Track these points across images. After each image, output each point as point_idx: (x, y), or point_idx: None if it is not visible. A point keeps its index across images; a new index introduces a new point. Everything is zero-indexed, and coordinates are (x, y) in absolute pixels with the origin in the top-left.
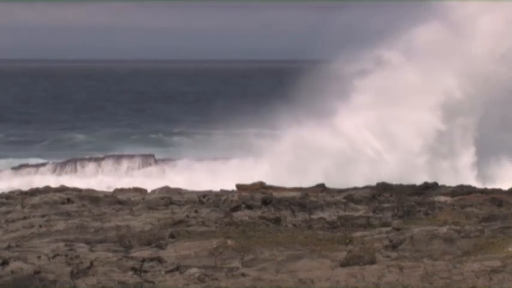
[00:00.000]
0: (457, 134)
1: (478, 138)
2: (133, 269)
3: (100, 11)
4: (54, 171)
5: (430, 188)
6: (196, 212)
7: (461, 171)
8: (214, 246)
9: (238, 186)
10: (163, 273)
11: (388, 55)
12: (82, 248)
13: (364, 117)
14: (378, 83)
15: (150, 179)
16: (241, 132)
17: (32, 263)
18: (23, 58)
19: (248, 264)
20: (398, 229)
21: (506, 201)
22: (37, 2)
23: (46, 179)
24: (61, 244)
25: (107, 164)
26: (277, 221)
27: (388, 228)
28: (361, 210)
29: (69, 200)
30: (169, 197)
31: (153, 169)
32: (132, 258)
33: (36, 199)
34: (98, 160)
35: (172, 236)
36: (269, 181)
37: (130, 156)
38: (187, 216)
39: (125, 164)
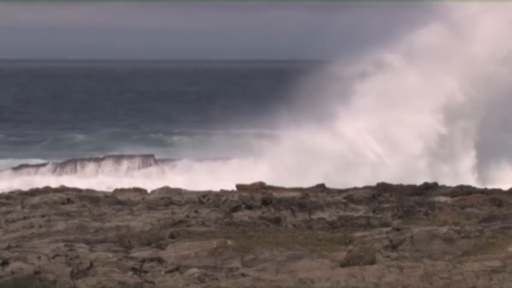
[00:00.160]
0: (458, 137)
1: (478, 141)
2: (133, 269)
3: (100, 11)
4: (54, 171)
5: (430, 188)
6: (196, 212)
7: (462, 174)
8: (214, 246)
9: (238, 187)
10: (163, 273)
11: (389, 58)
12: (82, 248)
13: (365, 120)
14: (379, 86)
15: (150, 179)
16: (241, 132)
17: (32, 263)
18: (23, 58)
19: (248, 264)
20: (398, 229)
21: (506, 201)
22: (37, 2)
23: (46, 179)
24: (61, 244)
25: (107, 164)
26: (277, 221)
27: (388, 228)
28: (361, 211)
29: (69, 200)
30: (169, 197)
31: (153, 169)
32: (132, 258)
33: (36, 199)
34: (98, 160)
35: (172, 236)
36: (269, 182)
37: (130, 157)
38: (187, 217)
39: (124, 164)
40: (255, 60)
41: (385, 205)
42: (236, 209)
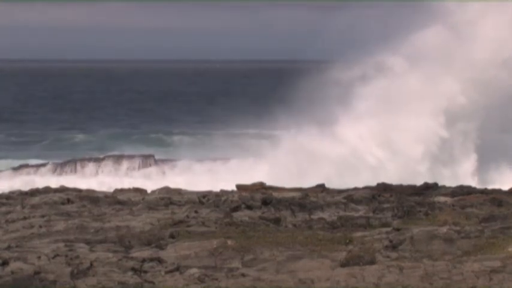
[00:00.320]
0: (459, 141)
1: (479, 144)
2: (133, 269)
3: (100, 11)
4: (54, 171)
5: (430, 188)
6: (196, 212)
7: (463, 178)
8: (214, 246)
9: (238, 187)
10: (163, 273)
11: (390, 61)
12: (82, 248)
13: (366, 124)
14: (380, 89)
15: (150, 179)
16: (241, 132)
17: (32, 263)
18: (23, 58)
19: (248, 264)
20: (398, 229)
21: (506, 201)
22: (37, 2)
23: (46, 179)
24: (61, 244)
25: (107, 164)
26: (277, 221)
27: (388, 229)
28: (361, 211)
29: (69, 200)
30: (169, 197)
31: (153, 169)
32: (132, 258)
33: (36, 199)
34: (98, 160)
35: (172, 236)
36: (269, 182)
37: (130, 157)
38: (187, 217)
39: (124, 164)
40: (255, 60)
41: (385, 205)
42: (236, 209)
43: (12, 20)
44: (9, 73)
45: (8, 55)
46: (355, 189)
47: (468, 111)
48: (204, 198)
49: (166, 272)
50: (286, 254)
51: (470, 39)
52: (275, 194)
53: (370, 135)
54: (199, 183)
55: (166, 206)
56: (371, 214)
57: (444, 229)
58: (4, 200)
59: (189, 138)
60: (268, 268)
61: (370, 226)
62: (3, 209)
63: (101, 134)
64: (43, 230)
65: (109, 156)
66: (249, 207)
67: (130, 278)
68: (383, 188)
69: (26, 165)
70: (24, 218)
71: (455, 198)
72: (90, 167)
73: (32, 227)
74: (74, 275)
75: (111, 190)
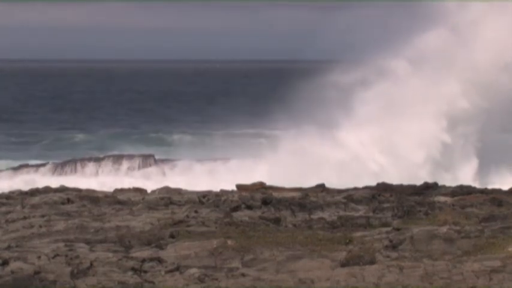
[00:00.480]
0: (460, 145)
1: (480, 148)
2: (133, 269)
3: (100, 11)
4: (54, 171)
5: (430, 188)
6: (196, 212)
7: (463, 182)
8: (214, 246)
9: (238, 187)
10: (163, 273)
11: (391, 64)
12: (82, 248)
13: (367, 129)
14: (381, 92)
15: (150, 179)
16: (241, 132)
17: (32, 263)
18: (23, 58)
19: (248, 264)
20: (398, 229)
21: (506, 201)
22: (37, 2)
23: (46, 179)
24: (61, 244)
25: (107, 164)
26: (277, 221)
27: (388, 228)
28: (361, 210)
29: (69, 200)
30: (169, 197)
31: (153, 169)
32: (132, 258)
33: (36, 199)
34: (98, 160)
35: (172, 236)
36: (269, 182)
37: (130, 156)
38: (187, 216)
39: (124, 164)
40: (255, 60)
41: (385, 205)
42: (236, 209)
43: (12, 20)
44: (9, 73)
45: (8, 55)
46: (355, 189)
47: (469, 116)
48: (204, 198)
49: (166, 272)
50: (286, 254)
51: (471, 41)
52: (275, 194)
53: (371, 140)
54: (199, 183)
55: (166, 206)
56: (371, 214)
57: (444, 229)
58: (4, 200)
59: (189, 138)
60: (268, 268)
61: (370, 226)
62: (3, 209)
63: (101, 134)
64: (43, 229)
65: (109, 156)
66: (249, 207)
67: (130, 278)
68: (383, 187)
69: (26, 165)
70: (24, 218)
71: (455, 198)
72: (90, 167)
73: (32, 226)
74: (74, 275)
75: (111, 190)
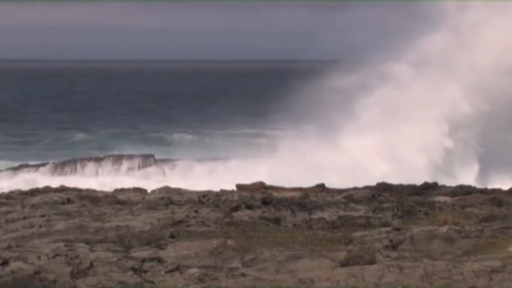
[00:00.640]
0: (461, 150)
1: (481, 153)
2: (133, 269)
3: (100, 11)
4: (54, 171)
5: (430, 188)
6: (196, 212)
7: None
8: (214, 246)
9: (238, 186)
10: (163, 273)
11: (393, 68)
12: (82, 248)
13: (369, 134)
14: (383, 97)
15: (150, 179)
16: (241, 132)
17: (32, 263)
18: (23, 58)
19: (248, 264)
20: (398, 229)
21: (506, 201)
22: (37, 2)
23: (46, 179)
24: (61, 244)
25: (107, 164)
26: (277, 221)
27: (388, 228)
28: (361, 210)
29: (69, 200)
30: (169, 197)
31: (153, 169)
32: (132, 258)
33: (36, 199)
34: (98, 160)
35: (172, 236)
36: (269, 182)
37: (130, 156)
38: (187, 216)
39: (124, 164)
40: (255, 60)
41: (385, 205)
42: (236, 209)
43: (12, 20)
44: (9, 73)
45: (8, 55)
46: (355, 189)
47: (471, 119)
48: (204, 198)
49: (166, 272)
50: (286, 254)
51: (472, 44)
52: (275, 194)
53: (373, 145)
54: (199, 183)
55: (166, 205)
56: (371, 214)
57: (444, 229)
58: (4, 200)
59: (189, 138)
60: (268, 268)
61: (370, 226)
62: (3, 209)
63: (101, 134)
64: (43, 229)
65: (109, 156)
66: (249, 207)
67: (130, 278)
68: (383, 187)
69: (26, 165)
70: (24, 218)
71: (455, 198)
72: (90, 167)
73: (32, 226)
74: (74, 275)
75: (111, 190)
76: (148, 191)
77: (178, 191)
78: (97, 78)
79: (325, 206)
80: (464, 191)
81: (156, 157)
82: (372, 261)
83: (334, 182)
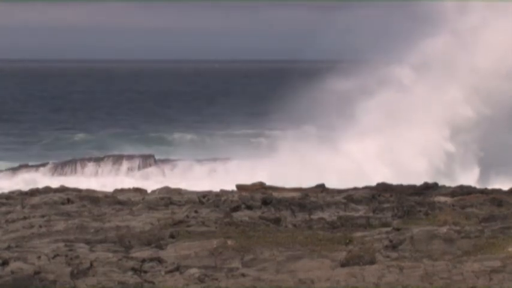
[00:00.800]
0: (462, 154)
1: (482, 157)
2: (133, 269)
3: (100, 11)
4: (54, 171)
5: (430, 188)
6: (196, 212)
7: None
8: (214, 246)
9: (238, 187)
10: (163, 273)
11: (395, 71)
12: (82, 248)
13: (369, 138)
14: (384, 101)
15: (150, 179)
16: (241, 132)
17: (32, 263)
18: (23, 58)
19: (248, 264)
20: (398, 229)
21: (506, 201)
22: (37, 2)
23: (46, 179)
24: (61, 244)
25: (107, 164)
26: (277, 221)
27: (388, 228)
28: (361, 211)
29: (69, 200)
30: (169, 197)
31: (153, 169)
32: (132, 258)
33: (36, 199)
34: (98, 160)
35: (172, 236)
36: (269, 182)
37: (130, 157)
38: (187, 217)
39: (124, 164)
40: (255, 60)
41: (385, 205)
42: (236, 209)
43: (12, 20)
44: (9, 73)
45: (8, 55)
46: (355, 189)
47: (472, 123)
48: (204, 198)
49: (166, 272)
50: (286, 254)
51: (473, 47)
52: (275, 194)
53: (373, 149)
54: (199, 183)
55: (166, 206)
56: (371, 214)
57: (444, 229)
58: (4, 200)
59: (189, 138)
60: (268, 268)
61: (370, 226)
62: (3, 209)
63: (101, 134)
64: (43, 230)
65: (109, 156)
66: (249, 207)
67: (131, 278)
68: (383, 188)
69: (26, 165)
70: (24, 218)
71: (455, 198)
72: (90, 167)
73: (32, 227)
74: (74, 275)
75: (111, 190)
76: (148, 191)
77: (178, 191)
78: (97, 78)
79: (325, 206)
80: (464, 191)
81: (156, 157)
82: (372, 262)
83: (334, 185)
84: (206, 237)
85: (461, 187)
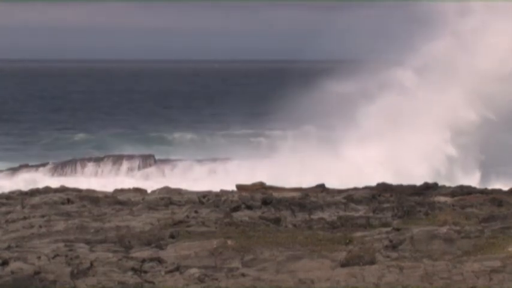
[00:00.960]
0: (464, 157)
1: (483, 160)
2: (133, 269)
3: (100, 11)
4: (54, 171)
5: (430, 188)
6: (196, 212)
7: None
8: (214, 246)
9: (238, 187)
10: (163, 273)
11: (396, 74)
12: (82, 248)
13: (370, 142)
14: (386, 104)
15: (150, 179)
16: (241, 132)
17: (32, 263)
18: (23, 58)
19: (248, 264)
20: (398, 229)
21: (506, 201)
22: (37, 2)
23: (46, 179)
24: (61, 244)
25: (107, 164)
26: (277, 221)
27: (388, 228)
28: (361, 211)
29: (69, 201)
30: (169, 197)
31: (153, 169)
32: (132, 258)
33: (36, 199)
34: (98, 160)
35: (172, 236)
36: (269, 182)
37: (130, 157)
38: (187, 217)
39: (124, 164)
40: (255, 60)
41: (385, 205)
42: (236, 209)
43: (12, 20)
44: (9, 73)
45: (8, 55)
46: (355, 189)
47: (474, 126)
48: (204, 198)
49: (166, 272)
50: (286, 254)
51: (474, 49)
52: (275, 194)
53: (374, 154)
54: (199, 183)
55: (166, 206)
56: (371, 214)
57: (444, 229)
58: (4, 200)
59: (189, 138)
60: (268, 268)
61: (370, 226)
62: (3, 209)
63: (101, 134)
64: (43, 230)
65: (109, 156)
66: (249, 207)
67: (131, 278)
68: (383, 188)
69: (26, 165)
70: (24, 218)
71: (455, 198)
72: (90, 167)
73: (32, 227)
74: (74, 275)
75: (111, 190)
76: (148, 191)
77: (178, 191)
78: (97, 78)
79: (325, 206)
80: (464, 191)
81: (156, 157)
82: (372, 262)
83: (334, 187)
84: (206, 237)
85: (461, 187)
